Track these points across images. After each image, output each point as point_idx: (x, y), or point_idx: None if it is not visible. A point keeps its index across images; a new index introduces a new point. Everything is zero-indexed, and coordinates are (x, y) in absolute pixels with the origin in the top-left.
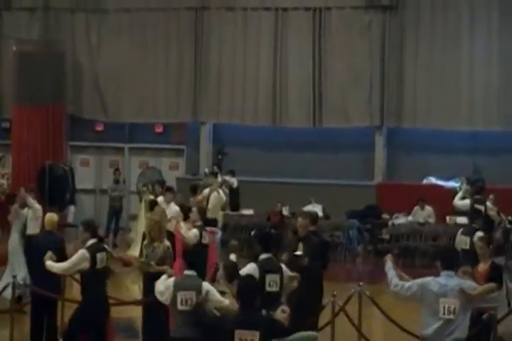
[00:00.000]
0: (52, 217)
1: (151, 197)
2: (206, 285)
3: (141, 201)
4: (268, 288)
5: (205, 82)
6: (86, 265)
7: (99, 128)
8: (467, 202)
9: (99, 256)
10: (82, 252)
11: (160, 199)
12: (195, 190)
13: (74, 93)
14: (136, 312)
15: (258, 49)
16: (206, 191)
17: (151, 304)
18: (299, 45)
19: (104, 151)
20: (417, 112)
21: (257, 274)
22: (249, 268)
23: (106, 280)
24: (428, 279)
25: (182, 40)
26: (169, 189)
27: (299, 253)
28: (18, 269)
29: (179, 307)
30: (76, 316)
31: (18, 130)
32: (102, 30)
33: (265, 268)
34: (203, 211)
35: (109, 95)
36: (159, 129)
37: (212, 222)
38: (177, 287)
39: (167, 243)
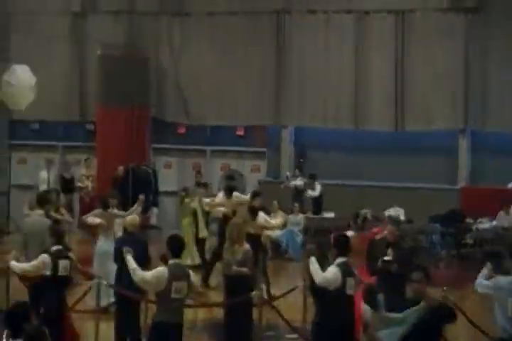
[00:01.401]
0: (133, 218)
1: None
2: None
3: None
4: (349, 291)
5: (287, 84)
6: (46, 271)
7: (182, 130)
8: None
9: (62, 263)
10: (44, 257)
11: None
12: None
13: (157, 96)
14: (219, 314)
15: (340, 52)
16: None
17: (233, 305)
18: (381, 48)
19: (186, 154)
20: (502, 115)
21: (339, 277)
22: (331, 271)
23: (65, 289)
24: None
25: (264, 43)
26: (257, 194)
27: (387, 258)
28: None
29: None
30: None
31: (103, 132)
32: (184, 34)
33: (345, 272)
34: None
35: (191, 98)
36: (240, 132)
37: None
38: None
39: (247, 246)
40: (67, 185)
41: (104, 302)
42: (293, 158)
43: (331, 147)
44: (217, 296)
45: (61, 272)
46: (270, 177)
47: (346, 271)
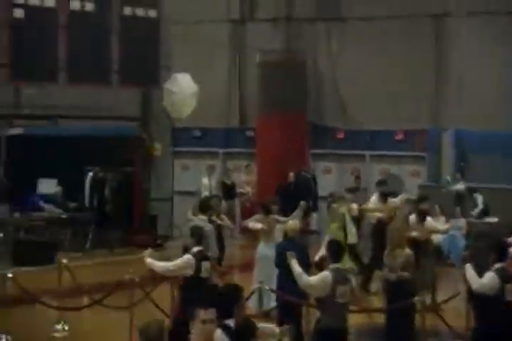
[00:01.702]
0: (294, 223)
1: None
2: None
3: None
4: (508, 297)
5: (446, 88)
6: (189, 271)
7: (340, 135)
8: None
9: (204, 264)
10: (188, 257)
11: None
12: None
13: (315, 101)
14: (379, 319)
15: (500, 54)
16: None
17: (394, 311)
18: None
19: (345, 159)
20: None
21: (497, 283)
22: (488, 277)
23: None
24: None
25: (422, 46)
26: (426, 198)
27: None
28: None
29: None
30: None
31: (262, 138)
32: (342, 39)
33: (503, 278)
34: None
35: (350, 103)
36: (400, 136)
37: None
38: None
39: (408, 250)
40: (229, 191)
41: (266, 307)
42: (454, 161)
43: (492, 150)
44: (377, 301)
45: (203, 273)
46: (431, 182)
47: (505, 276)
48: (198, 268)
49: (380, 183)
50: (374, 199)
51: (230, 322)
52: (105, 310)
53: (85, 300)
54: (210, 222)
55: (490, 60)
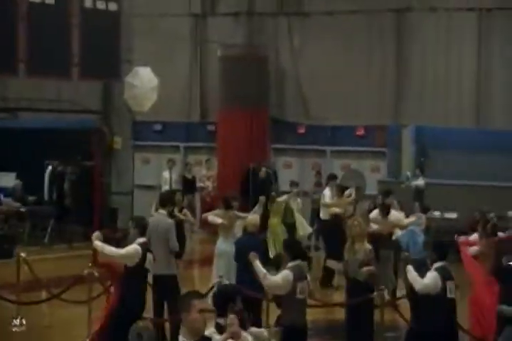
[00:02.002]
0: (254, 219)
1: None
2: None
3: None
4: (450, 295)
5: (408, 83)
6: (135, 260)
7: (301, 130)
8: None
9: (148, 256)
10: (137, 247)
11: None
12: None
13: (276, 96)
14: (339, 314)
15: (461, 50)
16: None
17: (354, 306)
18: (504, 46)
19: (306, 154)
20: None
21: (439, 282)
22: (430, 277)
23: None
24: None
25: (384, 42)
26: (390, 192)
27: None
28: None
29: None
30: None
31: (223, 133)
32: (304, 34)
33: (445, 276)
34: None
35: (311, 98)
36: (360, 132)
37: None
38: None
39: (368, 245)
40: (189, 185)
41: None
42: (414, 157)
43: (452, 146)
44: (338, 296)
45: (147, 264)
46: (390, 177)
47: (446, 275)
48: (143, 259)
49: (332, 177)
50: (329, 194)
51: (222, 321)
52: (64, 305)
53: (44, 295)
54: (171, 216)
55: (451, 56)
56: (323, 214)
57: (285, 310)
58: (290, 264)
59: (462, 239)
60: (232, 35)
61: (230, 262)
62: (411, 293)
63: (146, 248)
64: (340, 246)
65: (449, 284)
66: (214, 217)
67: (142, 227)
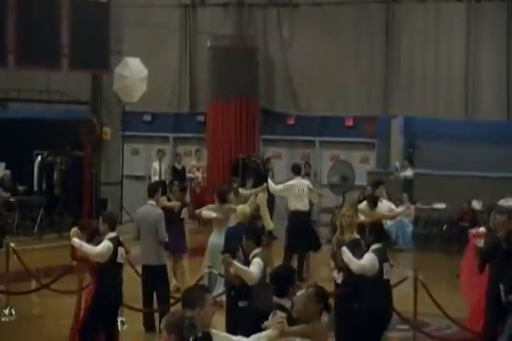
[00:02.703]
0: (243, 209)
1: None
2: None
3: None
4: (385, 276)
5: (396, 75)
6: (106, 257)
7: (291, 121)
8: None
9: (120, 250)
10: (109, 243)
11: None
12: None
13: (266, 87)
14: None
15: (450, 41)
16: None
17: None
18: (492, 37)
19: (295, 145)
20: None
21: (376, 264)
22: (367, 258)
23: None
24: None
25: (373, 33)
26: (381, 182)
27: None
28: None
29: None
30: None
31: (213, 124)
32: (293, 25)
33: (381, 258)
34: None
35: (301, 89)
36: (350, 123)
37: None
38: None
39: (356, 236)
40: (179, 175)
41: (215, 292)
42: (403, 148)
43: (441, 137)
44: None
45: (119, 259)
46: (380, 168)
47: (382, 256)
48: (114, 254)
49: (296, 168)
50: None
51: (285, 303)
52: (53, 294)
53: (33, 285)
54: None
55: (440, 47)
56: None
57: (370, 293)
58: (374, 247)
59: (473, 231)
60: (222, 26)
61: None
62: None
63: (117, 242)
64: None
65: (385, 266)
66: (208, 212)
67: (112, 222)
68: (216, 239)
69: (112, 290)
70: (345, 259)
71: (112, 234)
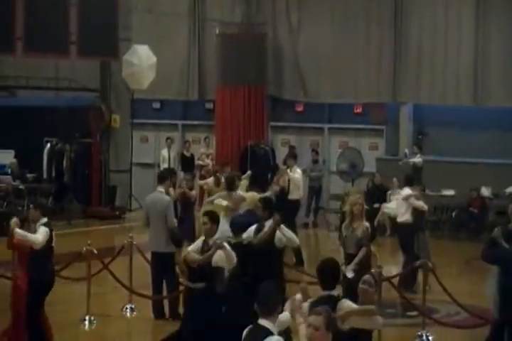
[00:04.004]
0: (253, 196)
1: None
2: None
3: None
4: None
5: (405, 62)
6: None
7: (299, 108)
8: None
9: (53, 234)
10: (46, 230)
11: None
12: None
13: (275, 74)
14: None
15: (459, 27)
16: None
17: (350, 283)
18: (502, 24)
19: (304, 132)
20: None
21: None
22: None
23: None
24: None
25: (382, 19)
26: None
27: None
28: None
29: None
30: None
31: (221, 111)
32: (302, 11)
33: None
34: None
35: (309, 76)
36: (358, 109)
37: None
38: None
39: (366, 224)
40: (187, 163)
41: None
42: (412, 135)
43: (450, 124)
44: None
45: (54, 243)
46: (389, 155)
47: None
48: (50, 238)
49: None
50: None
51: (334, 293)
52: (63, 282)
53: None
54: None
55: (449, 33)
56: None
57: None
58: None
59: None
60: (231, 13)
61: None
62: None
63: (51, 227)
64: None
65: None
66: (219, 200)
67: (43, 208)
68: (225, 227)
69: (48, 274)
70: (288, 235)
71: (45, 219)
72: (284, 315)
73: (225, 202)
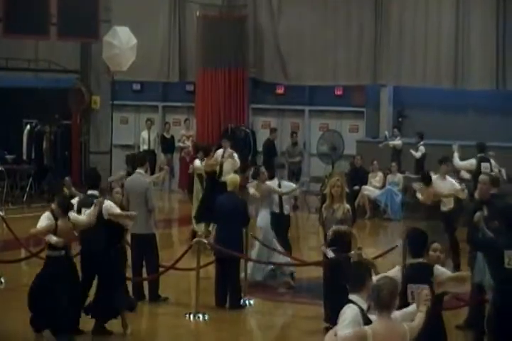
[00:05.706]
0: (234, 178)
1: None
2: None
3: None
4: None
5: (386, 44)
6: None
7: (280, 91)
8: None
9: None
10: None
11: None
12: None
13: (255, 56)
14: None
15: (439, 10)
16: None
17: (332, 264)
18: (482, 5)
19: (285, 114)
20: None
21: None
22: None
23: None
24: None
25: (363, 2)
26: (447, 159)
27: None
28: None
29: None
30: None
31: (202, 93)
32: None
33: None
34: None
35: (290, 58)
36: (339, 92)
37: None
38: None
39: (347, 205)
40: (168, 144)
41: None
42: (392, 117)
43: (430, 106)
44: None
45: None
46: (369, 137)
47: None
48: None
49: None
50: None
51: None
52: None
53: (23, 253)
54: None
55: (429, 16)
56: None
57: None
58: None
59: None
60: None
61: None
62: None
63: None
64: None
65: None
66: (252, 189)
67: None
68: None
69: None
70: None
71: None
72: (411, 308)
73: (252, 190)
